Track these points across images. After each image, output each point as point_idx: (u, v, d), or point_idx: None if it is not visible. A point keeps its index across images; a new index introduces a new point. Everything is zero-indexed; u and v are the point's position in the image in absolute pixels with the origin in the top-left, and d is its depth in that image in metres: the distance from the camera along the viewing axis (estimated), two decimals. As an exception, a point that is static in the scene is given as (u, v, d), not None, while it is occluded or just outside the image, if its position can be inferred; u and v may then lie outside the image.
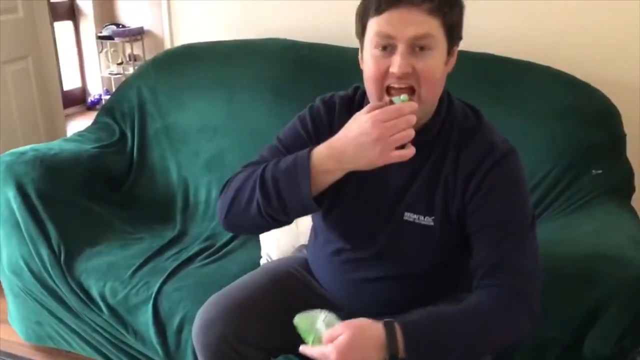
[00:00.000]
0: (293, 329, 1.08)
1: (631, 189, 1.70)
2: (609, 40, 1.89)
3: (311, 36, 2.10)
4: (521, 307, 1.08)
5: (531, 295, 1.09)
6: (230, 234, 1.90)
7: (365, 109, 1.05)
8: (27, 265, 1.82)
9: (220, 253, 1.83)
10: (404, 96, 1.05)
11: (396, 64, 1.04)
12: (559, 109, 1.73)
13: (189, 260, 1.80)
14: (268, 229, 1.22)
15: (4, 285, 1.94)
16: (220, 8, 2.47)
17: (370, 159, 1.02)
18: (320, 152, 1.06)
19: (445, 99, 1.17)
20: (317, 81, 1.97)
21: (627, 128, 1.73)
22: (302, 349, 1.06)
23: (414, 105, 1.03)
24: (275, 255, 1.72)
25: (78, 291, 1.75)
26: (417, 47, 1.05)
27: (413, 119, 1.01)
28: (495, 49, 1.89)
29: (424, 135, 1.12)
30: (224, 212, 1.17)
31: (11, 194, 1.84)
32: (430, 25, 1.04)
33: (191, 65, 2.21)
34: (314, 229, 1.38)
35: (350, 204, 1.21)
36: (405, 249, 1.21)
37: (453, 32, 1.08)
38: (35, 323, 1.92)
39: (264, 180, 1.09)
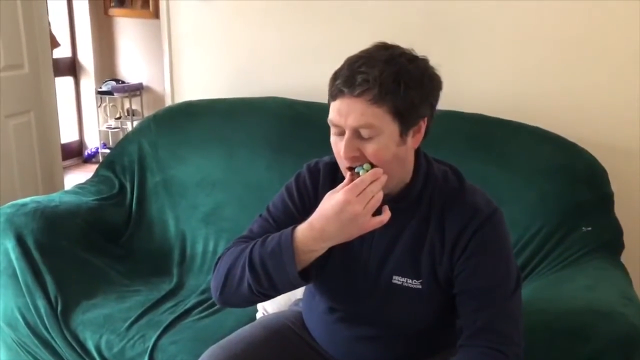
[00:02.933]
0: None
1: (620, 246, 1.74)
2: (595, 101, 1.97)
3: (307, 95, 2.16)
4: None
5: (513, 356, 1.12)
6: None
7: (338, 187, 1.10)
8: (23, 316, 1.81)
9: (217, 307, 1.83)
10: (366, 165, 1.10)
11: (342, 149, 1.10)
12: (548, 168, 1.78)
13: (186, 313, 1.80)
14: (260, 302, 1.30)
15: (-3, 338, 1.93)
16: (220, 67, 2.55)
17: (351, 233, 1.08)
18: (303, 233, 1.10)
19: (423, 164, 1.20)
20: (312, 138, 2.02)
21: (614, 187, 1.78)
22: None
23: (376, 172, 1.08)
24: (271, 309, 1.72)
25: (74, 344, 1.74)
26: (361, 133, 1.09)
27: (378, 185, 1.06)
28: (485, 110, 1.96)
29: (401, 202, 1.17)
30: (217, 291, 1.21)
31: (10, 245, 1.85)
32: (372, 115, 1.06)
33: (191, 122, 2.27)
34: (309, 287, 1.40)
35: (337, 270, 1.24)
36: (395, 310, 1.23)
37: (407, 114, 1.09)
38: (27, 377, 1.90)
39: (252, 263, 1.14)
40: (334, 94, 1.10)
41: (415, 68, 1.10)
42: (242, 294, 1.16)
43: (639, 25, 1.86)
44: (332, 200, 1.07)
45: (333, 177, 1.24)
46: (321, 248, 1.11)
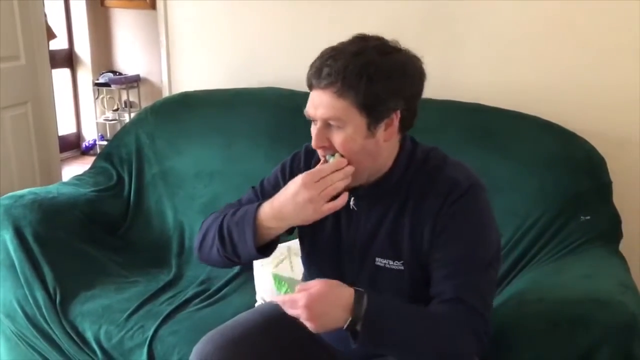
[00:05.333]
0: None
1: (619, 235, 1.74)
2: (594, 91, 1.96)
3: (306, 86, 2.16)
4: (469, 330, 1.12)
5: (479, 324, 1.13)
6: (226, 278, 1.92)
7: (300, 174, 1.14)
8: (22, 308, 1.82)
9: (216, 297, 1.83)
10: (337, 154, 1.15)
11: (312, 138, 1.16)
12: (547, 158, 1.78)
13: (184, 304, 1.80)
14: (231, 266, 1.38)
15: (-4, 329, 1.93)
16: (218, 57, 2.54)
17: (306, 216, 1.14)
18: (265, 210, 1.18)
19: (407, 149, 1.21)
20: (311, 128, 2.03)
21: (613, 176, 1.78)
22: (274, 298, 1.15)
23: (340, 162, 1.12)
24: (269, 299, 1.73)
25: (72, 334, 1.74)
26: (330, 124, 1.13)
27: (340, 174, 1.11)
28: (484, 99, 1.95)
29: (380, 188, 1.21)
30: (197, 248, 1.32)
31: (8, 236, 1.85)
32: (338, 107, 1.10)
33: (189, 112, 2.26)
34: (303, 275, 1.44)
35: (326, 252, 1.29)
36: (381, 291, 1.24)
37: (373, 108, 1.11)
38: (26, 368, 1.90)
39: (221, 229, 1.23)
40: (308, 84, 1.15)
41: (385, 61, 1.10)
42: (214, 254, 1.26)
43: (637, 15, 1.86)
44: (293, 182, 1.14)
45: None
46: (279, 227, 1.18)
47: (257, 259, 1.25)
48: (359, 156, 1.14)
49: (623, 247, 1.72)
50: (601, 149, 1.80)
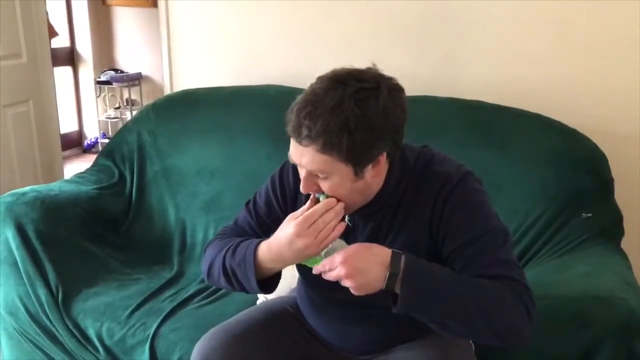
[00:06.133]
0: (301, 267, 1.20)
1: (620, 232, 1.74)
2: (595, 88, 1.97)
3: (308, 82, 2.15)
4: (516, 296, 1.09)
5: (523, 292, 1.10)
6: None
7: (297, 212, 1.14)
8: (24, 305, 1.82)
9: (217, 294, 1.83)
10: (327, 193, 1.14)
11: (301, 183, 1.15)
12: (549, 155, 1.78)
13: (186, 301, 1.81)
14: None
15: (-1, 326, 1.94)
16: (220, 55, 2.54)
17: (306, 258, 1.15)
18: (263, 253, 1.19)
19: (397, 168, 1.19)
20: (313, 126, 2.02)
21: (614, 173, 1.78)
22: (314, 269, 1.13)
23: (329, 202, 1.12)
24: (271, 296, 1.73)
25: (75, 332, 1.75)
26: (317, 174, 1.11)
27: (332, 214, 1.11)
28: (485, 96, 1.95)
29: (373, 206, 1.20)
30: (205, 276, 1.35)
31: (10, 234, 1.85)
32: (322, 161, 1.07)
33: (191, 110, 2.26)
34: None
35: None
36: (375, 293, 1.23)
37: (358, 158, 1.08)
38: (28, 365, 1.91)
39: (225, 268, 1.26)
40: (288, 135, 1.11)
41: (365, 111, 1.05)
42: (223, 285, 1.30)
43: (638, 13, 1.85)
44: (286, 229, 1.13)
45: None
46: (280, 267, 1.21)
47: (264, 293, 1.27)
48: (349, 196, 1.14)
49: (625, 244, 1.72)
50: (603, 146, 1.80)
